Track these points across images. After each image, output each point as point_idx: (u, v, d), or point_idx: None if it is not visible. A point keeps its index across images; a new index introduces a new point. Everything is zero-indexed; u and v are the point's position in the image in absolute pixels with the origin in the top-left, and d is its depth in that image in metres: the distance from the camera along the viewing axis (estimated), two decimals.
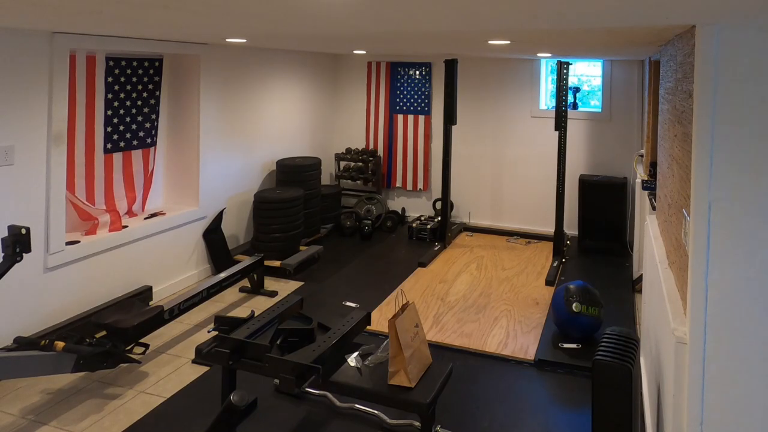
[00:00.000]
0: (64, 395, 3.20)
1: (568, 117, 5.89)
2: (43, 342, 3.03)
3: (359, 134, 7.39)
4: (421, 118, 7.10)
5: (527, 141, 6.73)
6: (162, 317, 3.60)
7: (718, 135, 1.73)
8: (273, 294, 4.69)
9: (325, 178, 7.27)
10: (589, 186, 6.02)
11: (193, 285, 4.72)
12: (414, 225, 6.37)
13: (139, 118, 4.57)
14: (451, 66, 6.00)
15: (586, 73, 7.07)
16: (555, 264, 5.40)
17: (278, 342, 2.86)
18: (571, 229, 6.34)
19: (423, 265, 5.40)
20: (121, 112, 4.41)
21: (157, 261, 4.54)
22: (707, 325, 1.75)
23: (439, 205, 6.57)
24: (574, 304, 3.82)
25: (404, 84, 7.18)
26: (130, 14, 2.32)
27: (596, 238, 5.94)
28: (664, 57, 3.42)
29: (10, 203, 3.45)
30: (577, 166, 6.47)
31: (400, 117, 7.19)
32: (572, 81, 6.64)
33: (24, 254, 3.01)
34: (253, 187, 5.76)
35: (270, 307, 3.46)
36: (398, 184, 7.24)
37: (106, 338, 3.31)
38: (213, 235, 5.10)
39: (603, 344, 2.54)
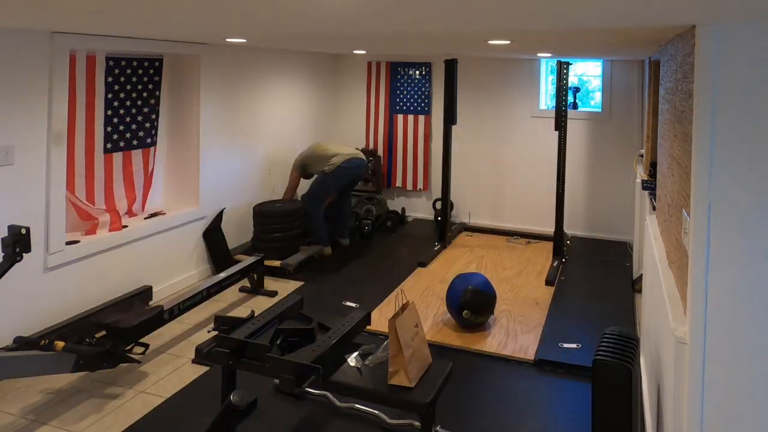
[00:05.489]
0: (64, 395, 3.20)
1: (568, 117, 5.89)
2: (43, 342, 3.03)
3: (359, 134, 7.39)
4: (421, 118, 7.10)
5: (527, 141, 6.73)
6: (162, 317, 3.60)
7: (718, 135, 1.73)
8: (273, 294, 4.69)
9: None
10: None
11: (193, 285, 4.72)
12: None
13: (139, 118, 4.57)
14: (451, 66, 6.00)
15: (587, 72, 7.07)
16: (555, 264, 5.40)
17: (278, 342, 2.86)
18: (571, 228, 6.34)
19: (423, 265, 5.40)
20: (121, 112, 4.41)
21: (157, 261, 4.54)
22: (707, 325, 1.75)
23: (439, 205, 6.57)
24: (464, 311, 3.94)
25: (404, 84, 7.17)
26: (130, 14, 2.32)
27: None
28: (664, 57, 3.42)
29: (10, 203, 3.45)
30: (577, 166, 6.47)
31: (400, 117, 7.19)
32: (572, 81, 6.64)
33: (24, 254, 3.01)
34: (253, 187, 5.75)
35: (270, 307, 3.46)
36: (398, 184, 7.24)
37: (106, 338, 3.31)
38: (213, 234, 5.10)
39: (603, 344, 2.54)
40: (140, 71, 4.55)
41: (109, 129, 4.32)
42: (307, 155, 5.88)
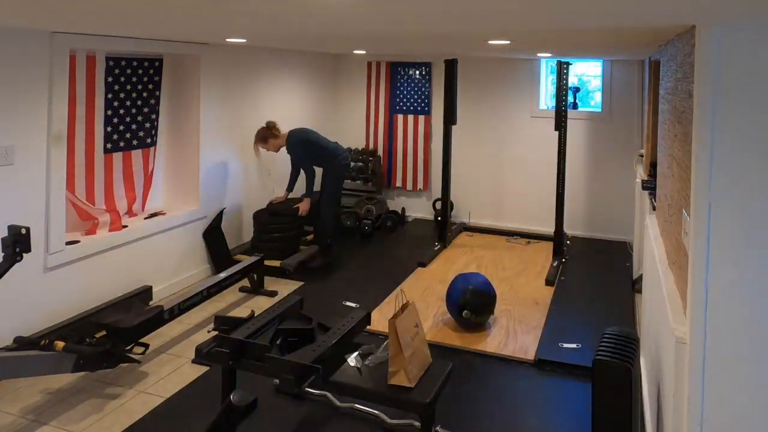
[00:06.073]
0: (64, 395, 3.20)
1: (568, 117, 5.88)
2: (43, 342, 3.03)
3: (359, 134, 7.39)
4: (421, 118, 7.10)
5: (527, 141, 6.73)
6: (162, 317, 3.60)
7: (718, 135, 1.73)
8: (273, 294, 4.69)
9: None
10: None
11: (193, 285, 4.71)
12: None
13: (139, 118, 4.57)
14: (451, 66, 6.00)
15: (587, 72, 7.07)
16: (555, 264, 5.40)
17: (278, 342, 2.86)
18: (571, 228, 6.34)
19: (423, 265, 5.40)
20: (121, 112, 4.41)
21: (157, 261, 4.54)
22: (707, 325, 1.75)
23: (439, 205, 6.57)
24: (464, 311, 3.93)
25: (404, 84, 7.17)
26: (130, 14, 2.32)
27: None
28: (664, 57, 3.43)
29: (10, 203, 3.45)
30: (577, 166, 6.47)
31: (400, 117, 7.19)
32: (572, 81, 6.64)
33: (24, 254, 3.01)
34: (253, 187, 5.75)
35: (270, 307, 3.46)
36: (398, 184, 7.23)
37: (106, 338, 3.31)
38: (213, 235, 5.10)
39: (603, 344, 2.53)
40: (140, 71, 4.55)
41: (109, 129, 4.32)
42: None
